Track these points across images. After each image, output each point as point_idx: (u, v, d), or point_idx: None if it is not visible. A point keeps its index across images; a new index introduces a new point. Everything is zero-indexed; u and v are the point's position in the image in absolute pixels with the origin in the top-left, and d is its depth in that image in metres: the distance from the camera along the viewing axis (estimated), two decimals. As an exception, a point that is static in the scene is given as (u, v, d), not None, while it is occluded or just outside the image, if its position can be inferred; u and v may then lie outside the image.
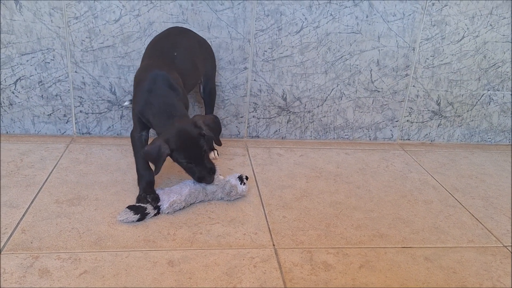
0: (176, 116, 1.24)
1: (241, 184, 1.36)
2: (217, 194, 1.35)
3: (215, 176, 1.32)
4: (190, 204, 1.31)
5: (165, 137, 1.21)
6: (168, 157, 1.23)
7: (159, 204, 1.26)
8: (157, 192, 1.30)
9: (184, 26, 1.63)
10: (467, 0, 1.77)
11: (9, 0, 1.54)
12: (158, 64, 1.32)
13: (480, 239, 1.28)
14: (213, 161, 1.44)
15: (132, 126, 1.37)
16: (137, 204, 1.25)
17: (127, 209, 1.23)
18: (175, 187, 1.32)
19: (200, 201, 1.34)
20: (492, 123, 2.01)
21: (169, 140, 1.21)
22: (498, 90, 1.94)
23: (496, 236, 1.30)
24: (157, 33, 1.64)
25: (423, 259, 1.16)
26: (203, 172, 1.27)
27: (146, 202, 1.25)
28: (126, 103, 1.69)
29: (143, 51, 1.65)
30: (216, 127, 1.29)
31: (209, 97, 1.61)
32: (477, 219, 1.39)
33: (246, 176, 1.40)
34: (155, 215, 1.25)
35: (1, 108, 1.68)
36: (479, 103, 1.96)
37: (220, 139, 1.32)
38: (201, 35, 1.65)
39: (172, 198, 1.27)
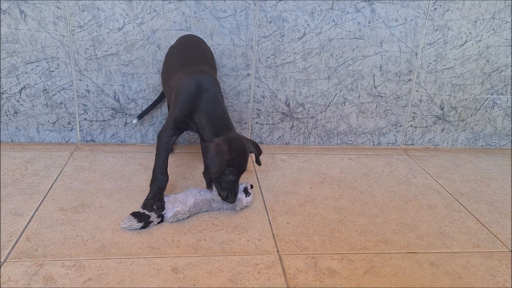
0: (231, 128, 1.29)
1: (246, 196, 1.36)
2: (222, 206, 1.34)
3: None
4: (194, 214, 1.31)
5: (227, 140, 1.24)
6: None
7: (163, 212, 1.26)
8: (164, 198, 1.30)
9: (187, 33, 1.64)
10: (470, 3, 1.77)
11: (14, 9, 1.56)
12: (200, 71, 1.34)
13: (486, 244, 1.27)
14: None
15: (164, 128, 1.34)
16: (141, 212, 1.25)
17: (131, 216, 1.23)
18: (180, 196, 1.32)
19: (204, 211, 1.33)
20: (496, 127, 2.00)
21: (230, 145, 1.23)
22: (502, 94, 1.94)
23: (502, 240, 1.30)
24: (160, 40, 1.65)
25: (428, 265, 1.16)
26: (234, 188, 1.28)
27: (151, 210, 1.25)
28: (135, 121, 1.69)
29: (147, 59, 1.67)
30: (259, 148, 1.36)
31: None
32: (482, 223, 1.38)
33: (251, 185, 1.39)
34: (158, 223, 1.25)
35: (5, 116, 1.69)
36: (483, 107, 1.95)
37: None
38: (204, 42, 1.66)
39: (176, 208, 1.26)
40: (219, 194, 1.29)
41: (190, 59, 1.42)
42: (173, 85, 1.36)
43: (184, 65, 1.39)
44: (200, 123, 1.29)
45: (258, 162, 1.38)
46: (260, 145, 1.86)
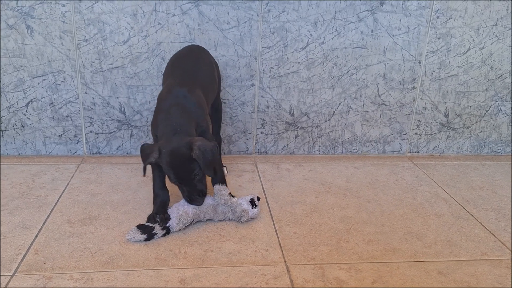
0: (179, 133, 1.23)
1: (252, 208, 1.35)
2: (228, 215, 1.33)
3: (227, 197, 1.32)
4: (199, 220, 1.31)
5: (160, 147, 1.22)
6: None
7: (168, 224, 1.26)
8: (168, 211, 1.30)
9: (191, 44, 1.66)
10: (472, 11, 1.78)
11: (20, 24, 1.58)
12: (181, 83, 1.34)
13: (494, 251, 1.27)
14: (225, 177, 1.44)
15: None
16: (146, 224, 1.26)
17: (136, 228, 1.24)
18: (182, 201, 1.31)
19: (209, 219, 1.34)
20: (501, 134, 2.00)
21: (161, 153, 1.21)
22: (506, 101, 1.94)
23: (510, 248, 1.29)
24: (165, 52, 1.67)
25: (436, 273, 1.15)
26: (192, 193, 1.25)
27: (154, 222, 1.25)
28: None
29: (152, 71, 1.68)
30: (207, 155, 1.20)
31: (217, 113, 1.62)
32: (490, 231, 1.38)
33: (258, 197, 1.39)
34: (163, 235, 1.25)
35: (12, 129, 1.71)
36: (488, 114, 1.95)
37: (223, 161, 1.28)
38: (208, 54, 1.68)
39: (179, 212, 1.27)
40: (187, 201, 1.28)
41: (180, 69, 1.42)
42: None
43: (174, 76, 1.40)
44: (158, 137, 1.28)
45: (204, 171, 1.23)
46: (265, 155, 1.87)
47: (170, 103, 1.29)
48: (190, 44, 1.64)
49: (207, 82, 1.44)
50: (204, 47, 1.68)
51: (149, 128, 1.76)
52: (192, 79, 1.38)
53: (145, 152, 1.24)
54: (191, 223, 1.29)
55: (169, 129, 1.25)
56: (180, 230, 1.27)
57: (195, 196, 1.26)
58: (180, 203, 1.31)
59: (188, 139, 1.22)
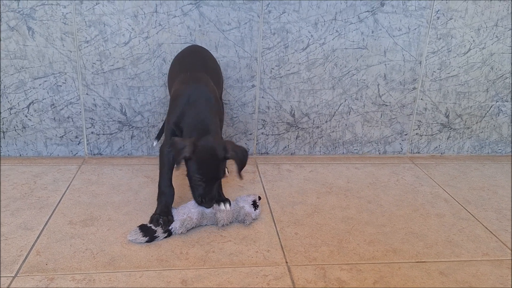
0: (210, 132, 1.24)
1: (255, 210, 1.35)
2: (229, 219, 1.32)
3: (230, 207, 1.31)
4: (201, 225, 1.31)
5: (194, 141, 1.20)
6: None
7: (170, 227, 1.26)
8: (173, 211, 1.30)
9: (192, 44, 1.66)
10: (472, 11, 1.78)
11: (22, 26, 1.59)
12: (195, 78, 1.33)
13: (495, 252, 1.27)
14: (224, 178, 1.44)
15: (164, 140, 1.35)
16: (148, 225, 1.25)
17: (138, 229, 1.24)
18: (188, 204, 1.31)
19: (212, 224, 1.33)
20: (502, 134, 2.00)
21: (196, 147, 1.19)
22: (507, 101, 1.94)
23: (511, 248, 1.29)
24: (166, 54, 1.67)
25: (437, 274, 1.15)
26: (207, 194, 1.24)
27: (157, 225, 1.25)
28: (155, 144, 1.69)
29: (153, 72, 1.68)
30: (243, 159, 1.24)
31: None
32: (491, 231, 1.38)
33: (259, 196, 1.39)
34: (165, 237, 1.25)
35: (14, 131, 1.71)
36: (488, 114, 1.95)
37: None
38: (209, 55, 1.68)
39: (183, 216, 1.27)
40: (194, 199, 1.27)
41: (190, 66, 1.41)
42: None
43: (183, 72, 1.38)
44: (183, 130, 1.27)
45: (238, 175, 1.25)
46: (266, 156, 1.87)
47: (193, 96, 1.28)
48: (192, 44, 1.65)
49: (216, 78, 1.44)
50: (205, 48, 1.68)
51: (150, 129, 1.76)
52: (205, 73, 1.38)
53: (178, 147, 1.19)
54: (193, 227, 1.29)
55: (197, 126, 1.24)
56: (182, 233, 1.27)
57: (209, 198, 1.25)
58: (187, 206, 1.30)
59: (223, 141, 1.24)
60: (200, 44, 1.67)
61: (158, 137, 1.67)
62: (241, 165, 1.24)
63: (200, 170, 1.21)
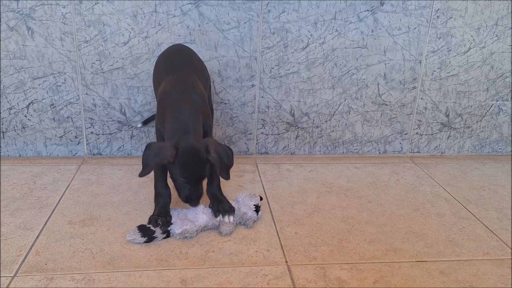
0: (191, 132, 1.20)
1: (257, 214, 1.34)
2: (232, 230, 1.30)
3: (233, 218, 1.29)
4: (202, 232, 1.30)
5: (175, 145, 1.18)
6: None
7: (169, 229, 1.25)
8: (171, 212, 1.29)
9: (192, 46, 1.66)
10: (472, 10, 1.78)
11: (21, 26, 1.58)
12: (183, 80, 1.32)
13: (496, 251, 1.27)
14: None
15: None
16: (147, 226, 1.25)
17: (136, 229, 1.23)
18: (191, 213, 1.29)
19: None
20: (502, 133, 1.99)
21: (178, 151, 1.17)
22: (507, 100, 1.93)
23: (512, 248, 1.29)
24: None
25: (438, 273, 1.15)
26: (192, 193, 1.22)
27: (156, 226, 1.24)
28: (139, 125, 1.69)
29: (152, 72, 1.68)
30: (226, 159, 1.21)
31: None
32: (491, 231, 1.37)
33: (260, 197, 1.38)
34: (164, 238, 1.24)
35: (13, 131, 1.71)
36: (489, 113, 1.95)
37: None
38: (209, 55, 1.68)
39: (185, 226, 1.25)
40: (180, 199, 1.25)
41: (176, 66, 1.39)
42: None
43: (169, 73, 1.36)
44: (165, 133, 1.25)
45: (222, 175, 1.21)
46: (266, 155, 1.87)
47: (177, 98, 1.26)
48: (175, 43, 1.60)
49: (203, 79, 1.42)
50: (204, 47, 1.68)
51: (150, 129, 1.76)
52: (191, 74, 1.36)
53: (154, 151, 1.18)
54: (192, 237, 1.27)
55: (179, 126, 1.21)
56: (178, 239, 1.25)
57: (195, 197, 1.24)
58: (196, 210, 1.29)
59: (204, 141, 1.21)
60: (199, 44, 1.67)
61: (145, 122, 1.69)
62: (224, 167, 1.20)
63: (184, 173, 1.19)
